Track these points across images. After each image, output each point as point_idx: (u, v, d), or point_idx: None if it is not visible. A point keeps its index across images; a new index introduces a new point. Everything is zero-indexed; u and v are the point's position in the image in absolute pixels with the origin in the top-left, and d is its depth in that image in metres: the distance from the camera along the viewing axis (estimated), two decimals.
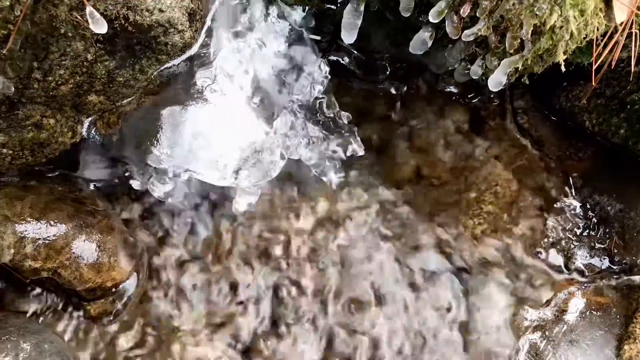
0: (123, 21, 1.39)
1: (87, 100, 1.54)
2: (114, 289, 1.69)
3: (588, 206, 2.03)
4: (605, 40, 1.55)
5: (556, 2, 1.40)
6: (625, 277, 1.93)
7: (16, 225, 1.56)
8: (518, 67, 1.56)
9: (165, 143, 1.68)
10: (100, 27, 1.30)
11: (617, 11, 1.50)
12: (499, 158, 2.08)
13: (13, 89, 1.35)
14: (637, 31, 1.54)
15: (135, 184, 1.79)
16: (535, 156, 2.09)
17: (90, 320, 1.70)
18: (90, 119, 1.63)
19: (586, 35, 1.51)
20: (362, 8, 1.59)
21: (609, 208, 2.00)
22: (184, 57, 1.60)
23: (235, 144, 1.71)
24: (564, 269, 1.95)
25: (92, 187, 1.79)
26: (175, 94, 1.68)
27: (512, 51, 1.50)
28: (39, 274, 1.59)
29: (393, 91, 2.07)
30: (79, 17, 1.33)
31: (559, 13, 1.42)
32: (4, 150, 1.51)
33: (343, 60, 1.97)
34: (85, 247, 1.63)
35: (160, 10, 1.42)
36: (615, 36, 1.54)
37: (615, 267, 1.95)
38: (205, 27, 1.65)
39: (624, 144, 1.96)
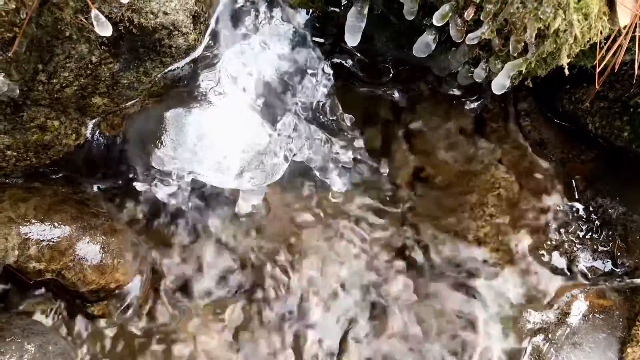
0: (128, 24, 1.40)
1: (91, 103, 1.54)
2: (117, 291, 1.69)
3: (591, 209, 2.02)
4: (608, 43, 1.55)
5: (560, 6, 1.40)
6: (628, 280, 1.93)
7: (20, 226, 1.56)
8: (522, 70, 1.56)
9: (169, 145, 1.68)
10: (105, 29, 1.30)
11: (620, 15, 1.50)
12: (501, 160, 2.08)
13: (18, 91, 1.35)
14: None
15: (139, 186, 1.79)
16: (538, 159, 2.09)
17: (94, 322, 1.70)
18: (94, 121, 1.63)
19: (590, 38, 1.51)
20: (365, 11, 1.59)
21: (612, 211, 2.00)
22: (188, 59, 1.60)
23: (239, 146, 1.72)
24: (567, 271, 1.95)
25: (95, 188, 1.79)
26: (179, 96, 1.69)
27: (515, 54, 1.50)
28: (43, 276, 1.59)
29: (396, 94, 2.07)
30: (83, 19, 1.34)
31: (563, 17, 1.42)
32: (9, 152, 1.51)
33: (346, 62, 1.98)
34: (89, 249, 1.63)
35: (165, 13, 1.43)
36: (618, 39, 1.54)
37: (618, 270, 1.94)
38: (210, 30, 1.65)
39: (627, 147, 1.96)
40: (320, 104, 1.90)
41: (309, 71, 1.86)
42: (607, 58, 1.57)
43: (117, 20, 1.38)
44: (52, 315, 1.69)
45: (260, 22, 1.78)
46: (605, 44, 1.55)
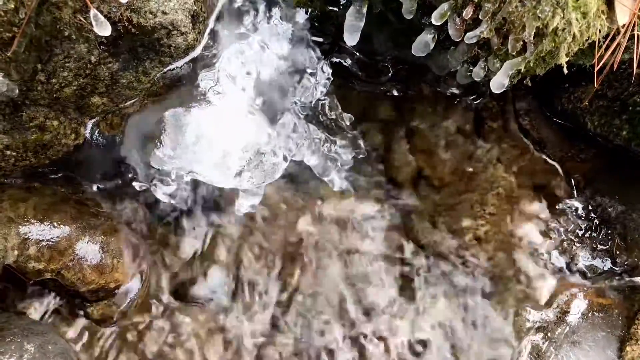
0: (126, 23, 1.40)
1: (91, 102, 1.54)
2: (117, 291, 1.69)
3: (590, 207, 2.03)
4: (607, 42, 1.56)
5: (559, 5, 1.40)
6: (627, 279, 1.94)
7: (20, 226, 1.56)
8: (520, 69, 1.57)
9: (168, 144, 1.68)
10: (104, 29, 1.31)
11: (619, 13, 1.50)
12: (500, 159, 2.08)
13: (17, 91, 1.35)
14: (639, 33, 1.54)
15: (139, 186, 1.80)
16: (537, 158, 2.09)
17: (94, 322, 1.70)
18: (93, 120, 1.63)
19: (588, 37, 1.51)
20: (364, 10, 1.59)
21: (611, 209, 2.00)
22: (187, 59, 1.60)
23: (238, 146, 1.71)
24: (566, 270, 1.95)
25: (95, 188, 1.79)
26: (178, 96, 1.69)
27: (514, 53, 1.50)
28: (42, 276, 1.59)
29: (395, 93, 2.07)
30: (82, 19, 1.34)
31: (562, 15, 1.42)
32: (8, 152, 1.51)
33: (345, 62, 1.98)
34: (88, 249, 1.63)
35: (164, 13, 1.43)
36: (617, 38, 1.54)
37: (617, 269, 1.95)
38: (209, 29, 1.65)
39: (626, 146, 1.96)
40: (320, 103, 1.90)
41: (308, 71, 1.87)
42: (605, 57, 1.57)
43: (116, 20, 1.38)
44: (51, 315, 1.69)
45: (259, 22, 1.79)
46: (604, 42, 1.56)
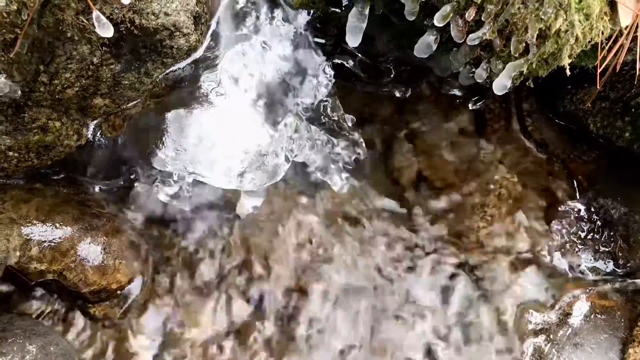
0: (129, 25, 1.40)
1: (93, 103, 1.54)
2: (118, 292, 1.69)
3: (592, 209, 2.02)
4: (610, 43, 1.55)
5: (561, 6, 1.40)
6: (629, 281, 1.93)
7: (22, 227, 1.56)
8: (523, 71, 1.56)
9: (171, 146, 1.68)
10: (106, 30, 1.30)
11: (622, 15, 1.50)
12: (503, 161, 2.08)
13: (19, 92, 1.36)
14: None
15: (141, 187, 1.80)
16: (540, 159, 2.09)
17: (95, 323, 1.70)
18: (95, 121, 1.63)
19: (591, 39, 1.51)
20: (366, 11, 1.59)
21: (613, 211, 2.00)
22: (189, 60, 1.60)
23: (240, 147, 1.72)
24: (568, 272, 1.94)
25: (97, 189, 1.80)
26: (180, 97, 1.69)
27: (517, 55, 1.50)
28: (44, 276, 1.59)
29: (397, 94, 2.07)
30: (85, 20, 1.34)
31: (564, 17, 1.42)
32: (10, 153, 1.51)
33: (347, 63, 1.98)
34: (90, 250, 1.63)
35: (166, 14, 1.43)
36: (620, 40, 1.54)
37: (619, 271, 1.94)
38: (211, 31, 1.66)
39: (628, 147, 1.96)
40: (322, 104, 1.90)
41: (310, 72, 1.87)
42: (608, 58, 1.57)
43: (118, 21, 1.38)
44: (53, 316, 1.69)
45: (262, 23, 1.79)
46: (606, 44, 1.55)
